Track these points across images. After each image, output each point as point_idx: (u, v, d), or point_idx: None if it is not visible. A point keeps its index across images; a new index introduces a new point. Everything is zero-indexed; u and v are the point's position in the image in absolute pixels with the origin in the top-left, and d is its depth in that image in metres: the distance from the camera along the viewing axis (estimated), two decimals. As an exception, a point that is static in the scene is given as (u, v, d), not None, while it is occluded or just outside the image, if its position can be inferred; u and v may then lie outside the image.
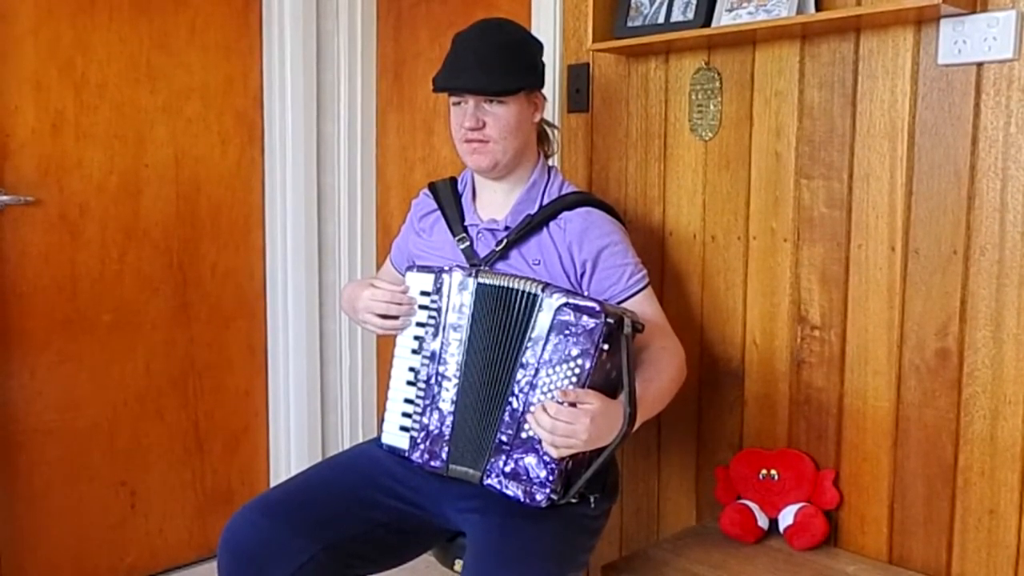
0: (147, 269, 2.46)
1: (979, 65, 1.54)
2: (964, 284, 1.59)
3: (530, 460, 1.48)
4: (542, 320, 1.48)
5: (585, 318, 1.43)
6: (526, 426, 1.48)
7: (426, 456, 1.59)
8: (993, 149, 1.54)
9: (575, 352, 1.44)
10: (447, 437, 1.57)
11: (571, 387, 1.43)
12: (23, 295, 2.25)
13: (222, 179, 2.59)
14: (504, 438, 1.51)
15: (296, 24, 2.62)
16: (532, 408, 1.46)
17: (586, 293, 1.63)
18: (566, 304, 1.46)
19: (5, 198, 2.19)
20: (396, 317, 1.64)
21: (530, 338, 1.49)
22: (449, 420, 1.57)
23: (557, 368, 1.45)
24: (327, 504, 1.59)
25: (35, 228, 2.26)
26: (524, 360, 1.49)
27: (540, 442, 1.46)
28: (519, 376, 1.49)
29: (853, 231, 1.72)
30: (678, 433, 2.01)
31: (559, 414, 1.40)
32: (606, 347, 1.43)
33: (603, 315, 1.42)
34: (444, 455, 1.58)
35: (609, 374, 1.47)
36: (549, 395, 1.45)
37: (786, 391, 1.84)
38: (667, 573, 1.66)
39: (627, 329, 1.45)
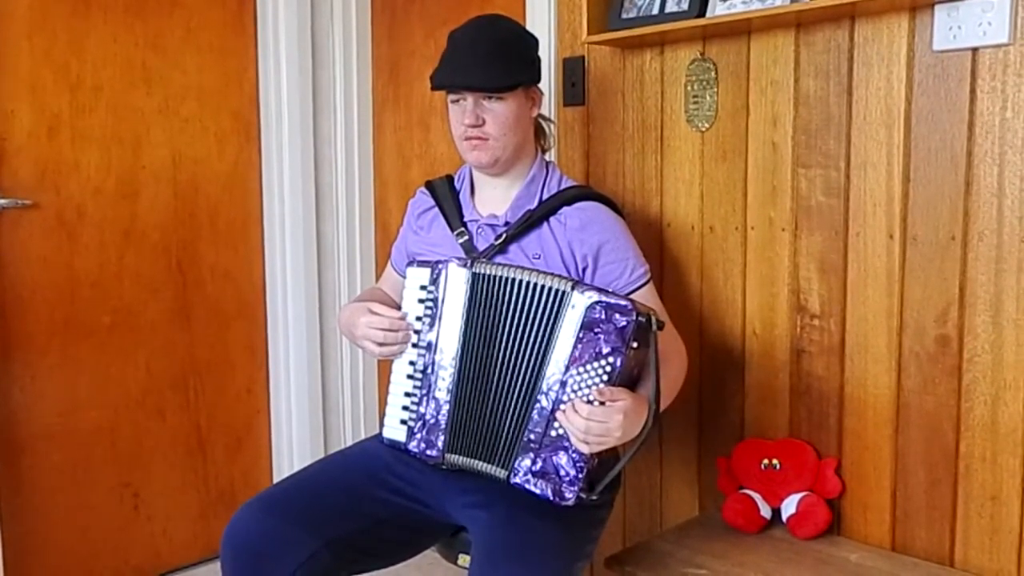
0: (146, 271, 2.46)
1: (974, 50, 1.54)
2: (963, 270, 1.59)
3: (561, 458, 1.47)
4: (571, 317, 1.46)
5: (617, 316, 1.42)
6: (555, 424, 1.47)
7: (422, 445, 1.59)
8: (990, 135, 1.54)
9: (606, 350, 1.43)
10: (443, 426, 1.57)
11: (601, 385, 1.43)
12: (22, 298, 2.25)
13: (219, 179, 2.59)
14: (532, 436, 1.49)
15: (291, 23, 2.62)
16: (562, 406, 1.45)
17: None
18: (598, 302, 1.44)
19: (3, 201, 2.19)
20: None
21: (558, 335, 1.47)
22: (446, 409, 1.57)
23: (587, 366, 1.44)
24: (329, 500, 1.59)
25: (33, 231, 2.26)
26: (552, 357, 1.48)
27: (569, 439, 1.45)
28: (548, 373, 1.48)
29: (851, 219, 1.72)
30: (679, 424, 2.02)
31: (592, 415, 1.40)
32: (635, 345, 1.42)
33: (634, 313, 1.41)
34: (440, 444, 1.58)
35: (632, 371, 1.47)
36: (578, 393, 1.44)
37: (787, 380, 1.84)
38: (670, 564, 1.65)
39: (655, 326, 1.44)
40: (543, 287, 1.49)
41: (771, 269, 1.84)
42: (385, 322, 1.61)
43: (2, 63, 2.18)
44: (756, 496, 1.79)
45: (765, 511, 1.77)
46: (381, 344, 1.62)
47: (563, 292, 1.47)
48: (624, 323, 1.41)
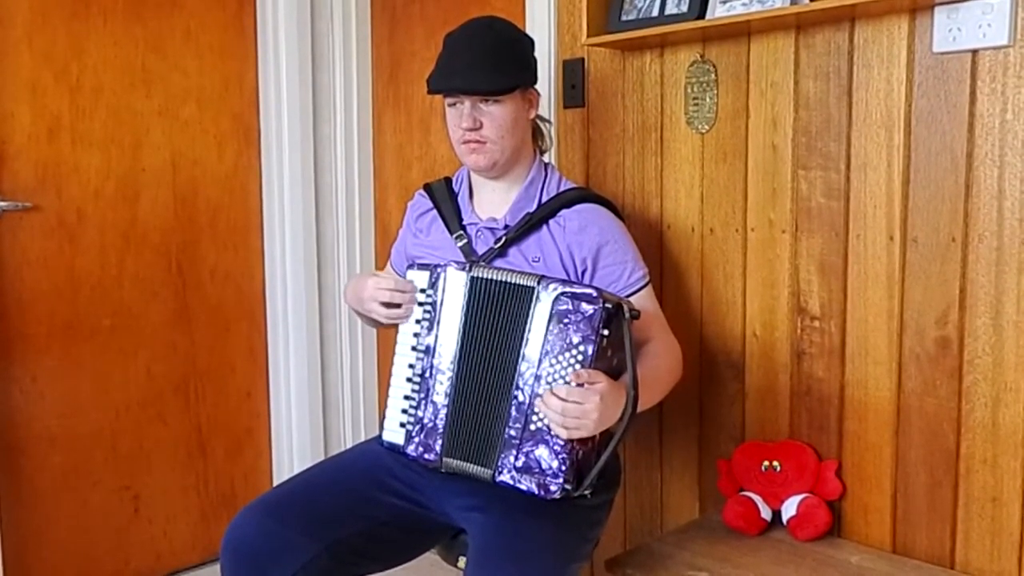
0: (146, 273, 2.46)
1: (974, 52, 1.54)
2: (963, 272, 1.59)
3: (541, 452, 1.48)
4: (540, 311, 1.49)
5: (583, 305, 1.45)
6: (534, 418, 1.48)
7: (420, 449, 1.59)
8: (990, 136, 1.54)
9: (576, 339, 1.45)
10: (440, 430, 1.58)
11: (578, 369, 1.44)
12: (23, 301, 2.25)
13: (219, 182, 2.59)
14: (512, 432, 1.51)
15: (291, 26, 2.62)
16: (540, 394, 1.46)
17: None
18: (563, 293, 1.47)
19: (3, 204, 2.19)
20: (400, 305, 1.63)
21: (530, 330, 1.50)
22: (443, 413, 1.58)
23: (560, 357, 1.46)
24: (329, 503, 1.59)
25: (33, 234, 2.26)
26: (526, 353, 1.50)
27: (550, 432, 1.46)
28: (523, 368, 1.50)
29: (851, 221, 1.72)
30: (680, 426, 2.01)
31: (570, 395, 1.41)
32: (606, 332, 1.45)
33: (601, 300, 1.44)
34: (438, 448, 1.58)
35: (611, 361, 1.49)
36: (554, 384, 1.46)
37: (787, 382, 1.83)
38: (671, 566, 1.65)
39: (627, 314, 1.46)
40: (516, 286, 1.52)
41: (771, 271, 1.84)
42: (391, 282, 1.63)
43: (2, 65, 2.18)
44: (757, 498, 1.78)
45: (766, 513, 1.77)
46: (387, 304, 1.63)
47: (531, 288, 1.50)
48: (592, 311, 1.44)
